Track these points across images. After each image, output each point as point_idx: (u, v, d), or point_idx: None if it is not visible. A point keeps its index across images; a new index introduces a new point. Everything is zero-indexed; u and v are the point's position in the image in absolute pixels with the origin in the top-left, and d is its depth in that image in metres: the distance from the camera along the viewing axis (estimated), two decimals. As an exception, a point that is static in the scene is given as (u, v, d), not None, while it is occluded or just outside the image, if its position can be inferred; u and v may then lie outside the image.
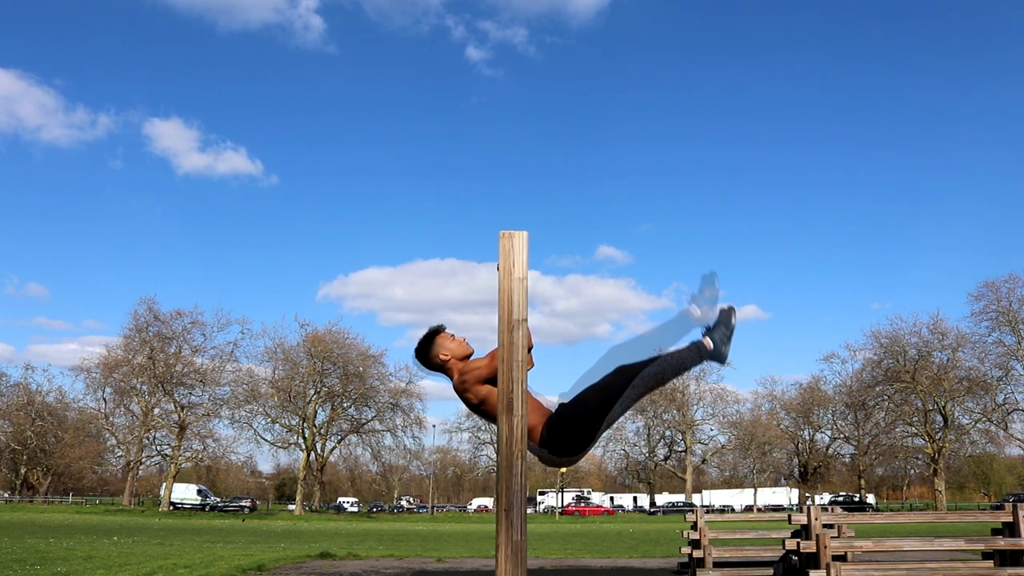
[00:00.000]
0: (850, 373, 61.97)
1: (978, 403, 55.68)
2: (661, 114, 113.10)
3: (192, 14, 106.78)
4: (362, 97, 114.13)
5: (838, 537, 8.80)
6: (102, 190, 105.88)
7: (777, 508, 63.70)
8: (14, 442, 62.35)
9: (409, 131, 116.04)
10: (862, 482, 66.29)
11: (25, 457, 63.74)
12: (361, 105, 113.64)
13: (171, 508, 54.26)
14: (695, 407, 67.55)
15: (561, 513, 62.86)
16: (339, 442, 61.66)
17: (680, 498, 72.48)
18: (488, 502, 75.45)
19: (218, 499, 62.01)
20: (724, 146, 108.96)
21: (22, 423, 61.98)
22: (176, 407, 56.23)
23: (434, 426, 68.77)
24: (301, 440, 59.04)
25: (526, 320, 2.98)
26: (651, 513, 65.78)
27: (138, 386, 56.54)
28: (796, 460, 68.41)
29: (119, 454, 62.99)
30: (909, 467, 67.78)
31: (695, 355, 3.29)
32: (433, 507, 73.33)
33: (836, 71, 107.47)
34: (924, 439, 57.10)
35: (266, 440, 58.81)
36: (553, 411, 3.28)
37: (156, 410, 56.63)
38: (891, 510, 63.35)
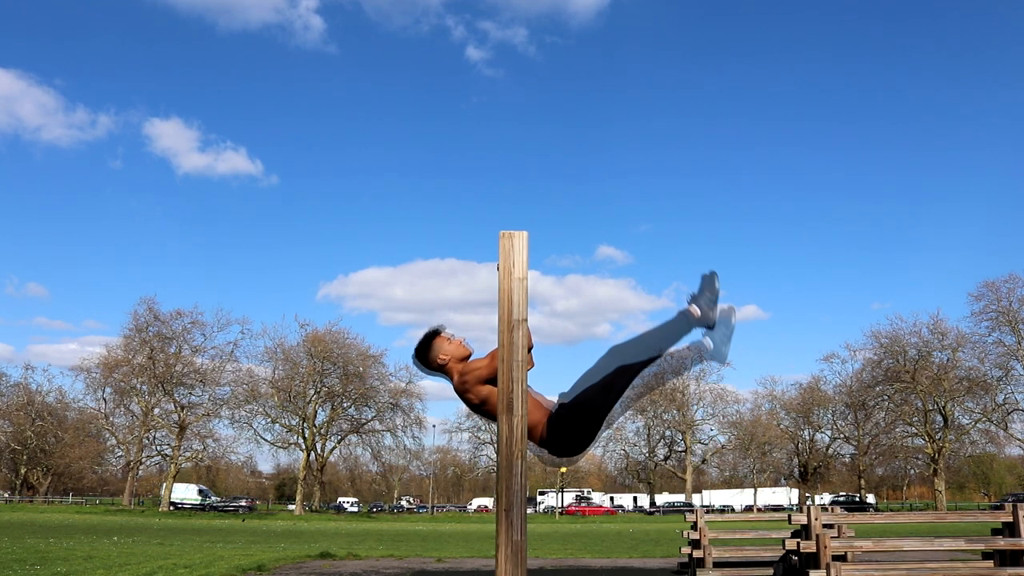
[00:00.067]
0: (850, 373, 62.07)
1: (978, 403, 55.70)
2: (661, 114, 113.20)
3: (192, 14, 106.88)
4: (362, 97, 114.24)
5: (838, 537, 8.79)
6: (102, 190, 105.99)
7: (777, 508, 63.68)
8: (14, 442, 62.35)
9: (409, 131, 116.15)
10: (862, 482, 66.29)
11: (25, 457, 63.74)
12: (361, 105, 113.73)
13: (171, 508, 54.27)
14: (695, 407, 67.60)
15: (563, 513, 62.87)
16: (339, 442, 61.67)
17: (680, 498, 72.48)
18: (488, 502, 75.45)
19: (217, 499, 62.02)
20: (724, 146, 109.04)
21: (22, 423, 61.98)
22: (176, 407, 56.23)
23: (434, 426, 68.87)
24: (301, 440, 59.06)
25: (526, 320, 2.98)
26: (649, 513, 65.78)
27: (138, 386, 56.54)
28: (796, 460, 68.41)
29: (119, 454, 63.06)
30: (909, 467, 67.79)
31: (695, 355, 3.30)
32: (433, 507, 73.32)
33: (836, 71, 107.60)
34: (924, 439, 57.10)
35: (266, 440, 58.89)
36: (554, 410, 3.28)
37: (156, 410, 56.63)
38: (891, 510, 63.36)
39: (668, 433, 69.15)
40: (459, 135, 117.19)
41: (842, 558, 9.17)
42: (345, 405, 60.65)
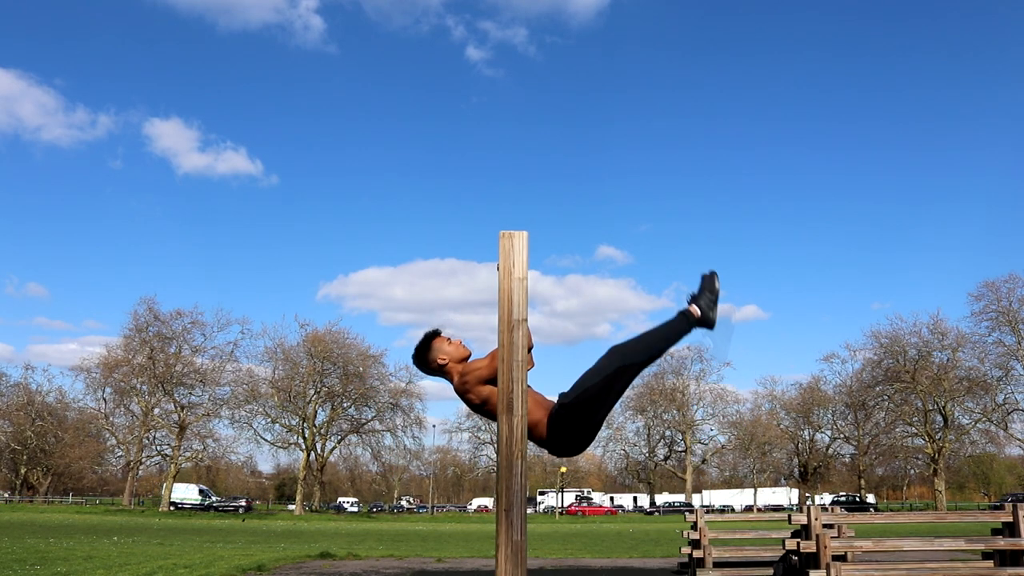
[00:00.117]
0: (850, 373, 62.09)
1: (978, 403, 55.71)
2: (661, 114, 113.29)
3: (192, 14, 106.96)
4: (362, 97, 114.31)
5: (838, 537, 8.79)
6: (102, 190, 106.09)
7: (777, 508, 63.70)
8: (14, 442, 62.34)
9: (409, 131, 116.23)
10: (862, 482, 66.29)
11: (25, 457, 63.74)
12: (361, 105, 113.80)
13: (172, 508, 54.25)
14: (695, 407, 67.59)
15: (564, 513, 62.86)
16: (339, 442, 61.66)
17: (680, 498, 72.48)
18: (488, 502, 75.45)
19: (217, 499, 62.03)
20: (724, 146, 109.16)
21: (22, 423, 61.98)
22: (176, 407, 56.23)
23: (434, 426, 68.88)
24: (301, 440, 59.05)
25: (526, 320, 2.98)
26: (648, 513, 65.76)
27: (138, 386, 56.54)
28: (796, 460, 68.41)
29: (119, 454, 63.05)
30: (909, 467, 67.79)
31: (683, 324, 3.30)
32: (433, 507, 73.32)
33: (836, 71, 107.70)
34: (924, 439, 57.10)
35: (266, 440, 58.88)
36: (554, 410, 3.29)
37: (156, 410, 56.62)
38: (891, 510, 63.38)
39: (668, 433, 69.16)
40: (459, 135, 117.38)
41: (842, 558, 9.17)
42: (345, 405, 60.65)
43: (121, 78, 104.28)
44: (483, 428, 65.47)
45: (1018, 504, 8.25)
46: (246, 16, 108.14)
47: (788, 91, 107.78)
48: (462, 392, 3.35)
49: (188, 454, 56.97)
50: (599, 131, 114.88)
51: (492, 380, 3.19)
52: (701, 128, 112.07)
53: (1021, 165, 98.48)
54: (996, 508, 9.14)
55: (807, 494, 65.56)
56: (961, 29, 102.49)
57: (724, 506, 73.47)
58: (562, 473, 67.50)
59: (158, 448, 58.67)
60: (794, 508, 58.35)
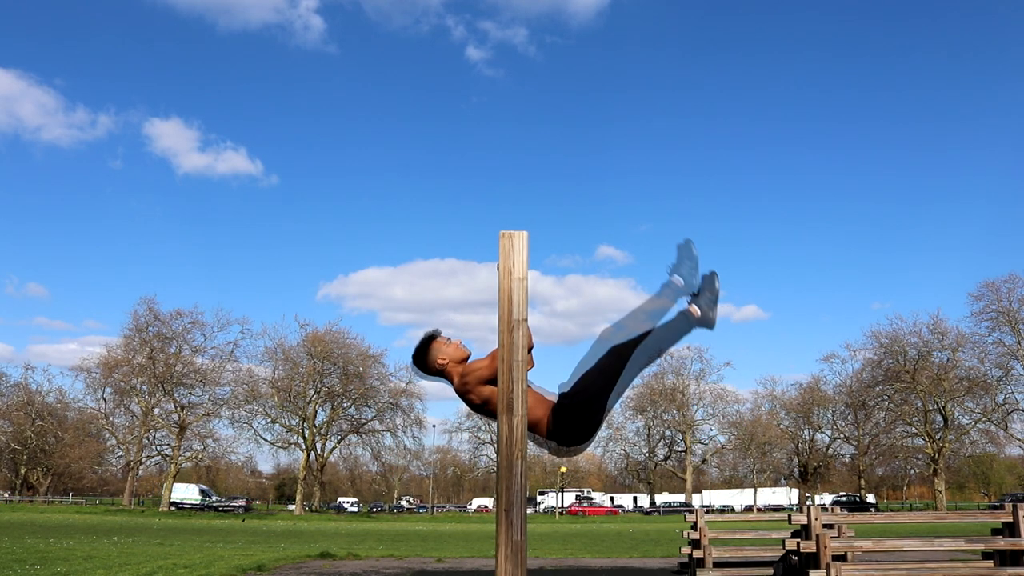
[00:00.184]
0: (850, 373, 62.08)
1: (978, 403, 55.69)
2: (661, 114, 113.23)
3: (192, 14, 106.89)
4: (362, 97, 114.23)
5: (838, 537, 8.80)
6: (102, 190, 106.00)
7: (777, 508, 63.67)
8: (14, 442, 62.35)
9: (409, 131, 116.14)
10: (862, 482, 66.28)
11: (25, 457, 63.73)
12: (361, 105, 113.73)
13: (173, 508, 54.24)
14: (695, 407, 67.58)
15: (565, 513, 62.84)
16: (339, 442, 61.66)
17: (680, 498, 72.47)
18: (488, 502, 75.44)
19: (215, 499, 62.04)
20: (724, 146, 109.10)
21: (22, 423, 61.97)
22: (176, 407, 56.23)
23: (434, 426, 68.88)
24: (301, 440, 59.06)
25: (526, 320, 2.98)
26: (647, 513, 65.75)
27: (138, 386, 56.53)
28: (796, 460, 68.41)
29: (119, 454, 63.05)
30: (909, 467, 67.77)
31: (684, 324, 3.31)
32: (433, 507, 73.31)
33: (836, 71, 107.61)
34: (924, 439, 57.09)
35: (266, 440, 58.87)
36: (556, 403, 3.30)
37: (156, 410, 56.62)
38: (891, 510, 63.37)
39: (668, 433, 69.15)
40: (459, 135, 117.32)
41: (842, 558, 9.17)
42: (345, 405, 60.65)
43: (121, 78, 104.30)
44: (483, 428, 65.47)
45: (1018, 504, 8.25)
46: (246, 16, 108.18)
47: (788, 91, 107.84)
48: (463, 393, 3.35)
49: (188, 454, 56.97)
50: (599, 131, 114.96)
51: (493, 380, 3.19)
52: (701, 128, 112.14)
53: (1021, 165, 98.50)
54: (996, 508, 9.14)
55: (807, 494, 65.56)
56: (961, 29, 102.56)
57: (724, 506, 73.44)
58: (562, 473, 67.50)
59: (158, 448, 58.72)
60: (794, 508, 58.35)
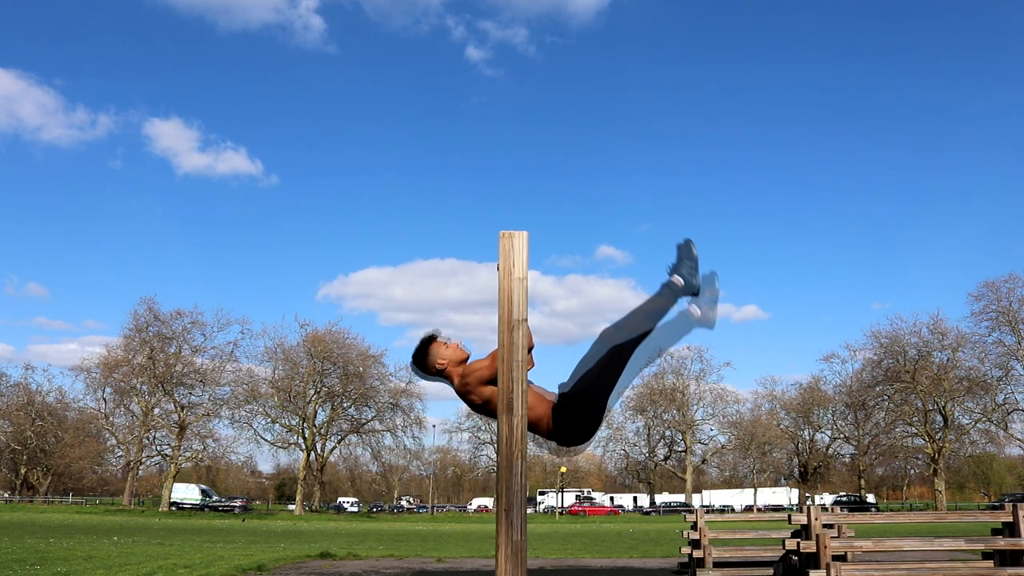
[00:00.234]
0: (850, 373, 62.07)
1: (978, 403, 55.69)
2: (661, 114, 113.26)
3: (192, 14, 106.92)
4: (362, 97, 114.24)
5: (838, 537, 8.80)
6: (102, 190, 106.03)
7: (777, 508, 63.68)
8: (14, 442, 62.34)
9: (409, 131, 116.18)
10: (862, 482, 66.28)
11: (25, 457, 63.73)
12: (361, 105, 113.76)
13: (172, 508, 54.23)
14: (695, 407, 67.57)
15: (566, 513, 62.81)
16: (339, 442, 61.66)
17: (680, 498, 72.47)
18: (488, 502, 75.44)
19: (215, 499, 62.03)
20: (724, 146, 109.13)
21: (22, 423, 61.97)
22: (176, 407, 56.23)
23: (434, 426, 68.88)
24: (301, 440, 59.05)
25: (526, 320, 2.99)
26: (646, 513, 65.74)
27: (138, 386, 56.53)
28: (796, 460, 68.40)
29: (119, 454, 63.04)
30: (909, 467, 67.77)
31: (684, 324, 3.34)
32: (433, 507, 73.31)
33: (836, 71, 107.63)
34: (924, 439, 57.09)
35: (266, 440, 58.87)
36: (556, 402, 3.30)
37: (156, 410, 56.61)
38: (891, 510, 63.38)
39: (668, 433, 69.14)
40: (459, 135, 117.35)
41: (842, 558, 9.17)
42: (345, 405, 60.65)
43: (121, 78, 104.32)
44: (483, 428, 65.47)
45: (1018, 504, 8.25)
46: (246, 16, 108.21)
47: (788, 91, 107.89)
48: (464, 393, 3.35)
49: (188, 454, 56.97)
50: (599, 131, 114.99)
51: (493, 380, 3.19)
52: (701, 128, 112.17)
53: (1021, 165, 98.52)
54: (996, 508, 9.14)
55: (807, 494, 65.56)
56: (961, 29, 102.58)
57: (724, 506, 73.44)
58: (562, 473, 67.47)
59: (158, 448, 58.72)
60: (794, 508, 58.36)
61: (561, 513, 62.59)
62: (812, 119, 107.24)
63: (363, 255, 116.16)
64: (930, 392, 55.51)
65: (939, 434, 56.29)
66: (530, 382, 3.18)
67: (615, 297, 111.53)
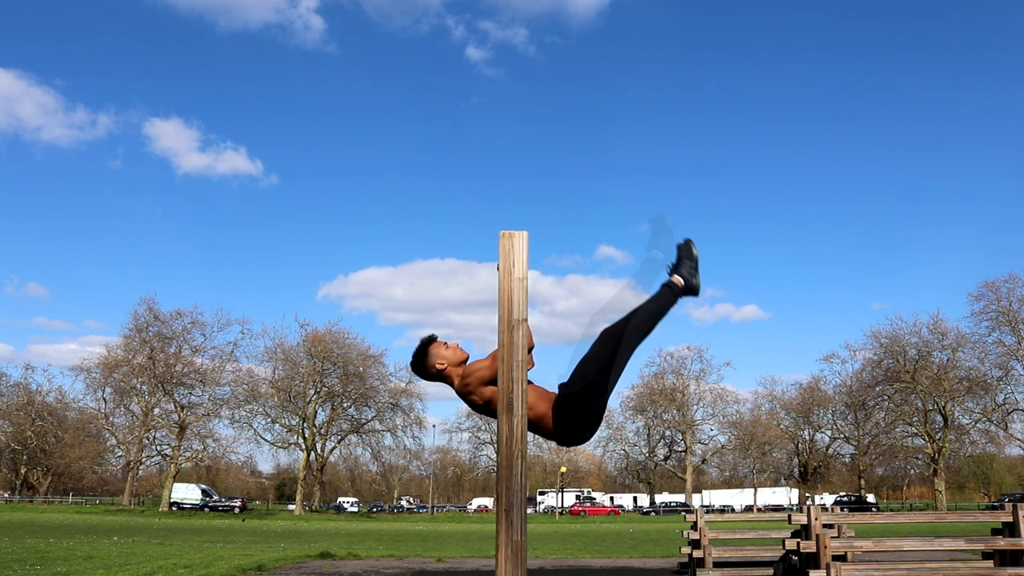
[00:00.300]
0: (850, 373, 62.09)
1: (978, 403, 55.69)
2: (661, 114, 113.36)
3: (192, 14, 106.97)
4: (362, 97, 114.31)
5: (838, 537, 8.79)
6: (102, 190, 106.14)
7: (777, 508, 63.70)
8: (14, 442, 62.33)
9: (409, 131, 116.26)
10: (862, 482, 66.27)
11: (25, 457, 63.72)
12: (361, 105, 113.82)
13: (173, 508, 54.22)
14: (695, 407, 67.58)
15: (566, 513, 62.80)
16: (339, 442, 61.66)
17: (679, 498, 72.46)
18: (488, 502, 75.44)
19: (215, 499, 61.99)
20: (724, 146, 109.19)
21: (22, 423, 61.97)
22: (176, 407, 56.23)
23: (434, 426, 68.90)
24: (301, 440, 59.05)
25: (526, 320, 2.99)
26: (645, 513, 65.74)
27: (138, 386, 56.53)
28: (796, 460, 68.41)
29: (119, 454, 63.03)
30: (909, 467, 67.77)
31: (669, 295, 3.32)
32: (433, 507, 73.32)
33: (836, 71, 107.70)
34: (924, 439, 57.09)
35: (266, 440, 58.88)
36: (556, 400, 3.30)
37: (156, 410, 56.62)
38: (891, 510, 63.37)
39: (668, 433, 69.14)
40: (459, 135, 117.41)
41: (842, 558, 9.17)
42: (345, 405, 60.65)
43: (121, 78, 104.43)
44: (483, 428, 65.49)
45: (1018, 504, 8.25)
46: (246, 16, 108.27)
47: (788, 91, 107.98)
48: (464, 394, 3.35)
49: (188, 454, 56.97)
50: (599, 131, 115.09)
51: (494, 381, 3.19)
52: (701, 128, 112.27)
53: (1021, 165, 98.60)
54: (996, 508, 9.14)
55: (807, 494, 65.55)
56: (961, 29, 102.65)
57: (724, 506, 73.45)
58: (562, 473, 67.48)
59: (158, 448, 58.72)
60: (794, 508, 58.36)
61: (561, 513, 62.59)
62: (812, 119, 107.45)
63: (363, 255, 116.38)
64: (930, 392, 55.51)
65: (939, 434, 56.29)
66: (530, 381, 3.18)
67: (615, 297, 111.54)
